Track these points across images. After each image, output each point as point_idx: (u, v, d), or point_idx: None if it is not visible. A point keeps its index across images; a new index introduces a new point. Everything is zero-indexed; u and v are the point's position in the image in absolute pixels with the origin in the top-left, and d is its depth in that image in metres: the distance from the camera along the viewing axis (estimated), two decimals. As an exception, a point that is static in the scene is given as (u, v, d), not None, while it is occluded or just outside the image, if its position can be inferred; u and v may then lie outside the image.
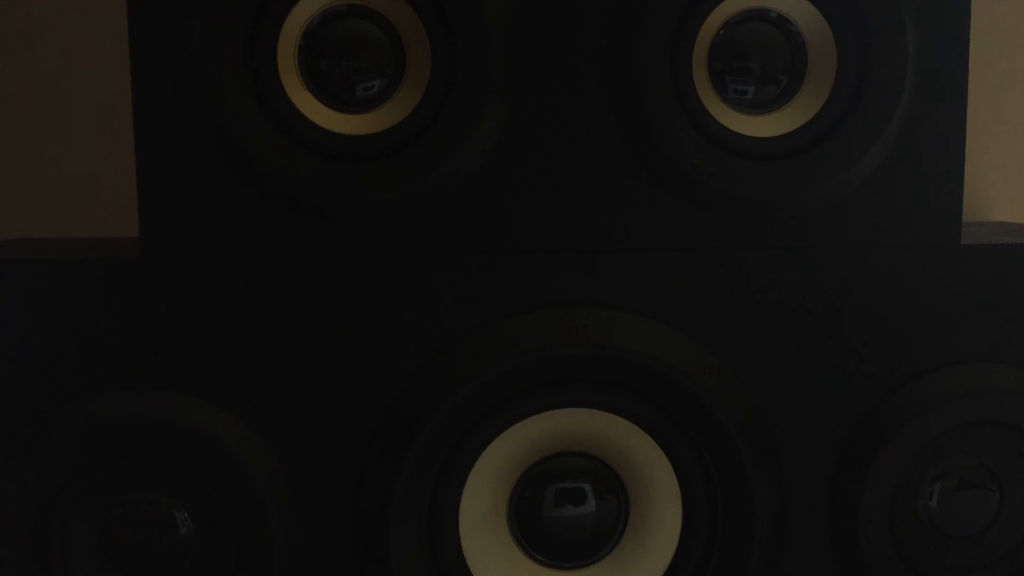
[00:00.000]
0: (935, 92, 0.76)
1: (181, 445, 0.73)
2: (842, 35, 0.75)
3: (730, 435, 0.75)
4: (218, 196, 0.74)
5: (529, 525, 0.77)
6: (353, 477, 0.75)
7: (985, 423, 0.78)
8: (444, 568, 0.76)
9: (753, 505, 0.75)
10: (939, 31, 0.76)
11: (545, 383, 0.75)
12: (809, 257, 0.77)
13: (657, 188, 0.76)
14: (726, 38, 0.75)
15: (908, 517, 0.79)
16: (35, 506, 0.73)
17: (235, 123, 0.72)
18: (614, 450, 0.76)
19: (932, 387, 0.77)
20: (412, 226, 0.75)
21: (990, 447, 0.79)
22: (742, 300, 0.76)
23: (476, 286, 0.75)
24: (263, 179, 0.73)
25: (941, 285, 0.77)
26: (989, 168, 1.19)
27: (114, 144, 1.04)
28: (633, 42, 0.73)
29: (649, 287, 0.76)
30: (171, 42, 0.72)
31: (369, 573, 0.76)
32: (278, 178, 0.73)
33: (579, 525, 0.77)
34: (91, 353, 0.74)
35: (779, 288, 0.77)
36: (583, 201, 0.76)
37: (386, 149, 0.73)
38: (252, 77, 0.72)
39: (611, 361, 0.74)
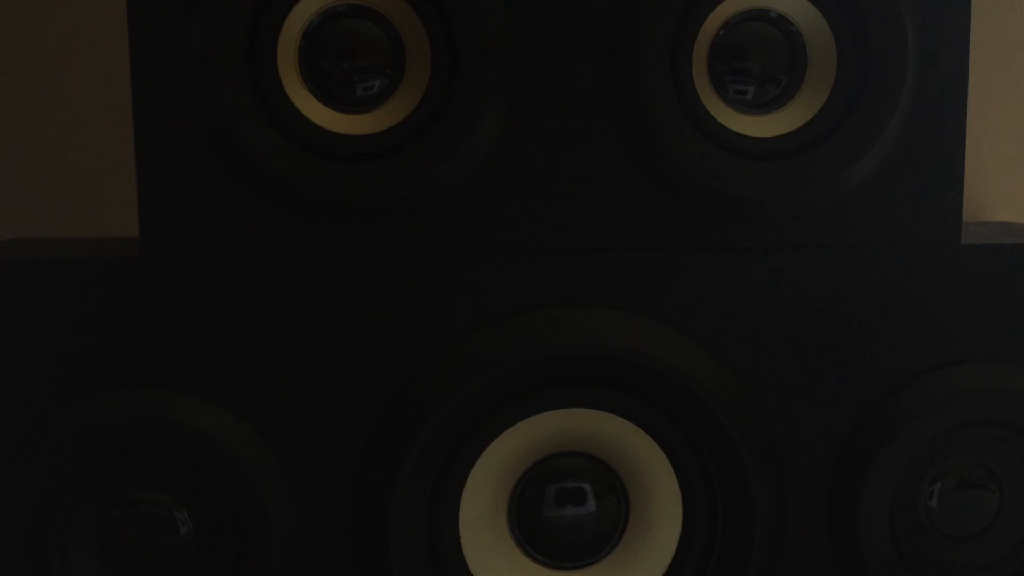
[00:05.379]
0: (935, 92, 0.76)
1: (181, 445, 0.73)
2: (842, 35, 0.75)
3: (730, 435, 0.75)
4: (218, 196, 0.74)
5: (529, 525, 0.77)
6: (353, 477, 0.75)
7: (985, 423, 0.78)
8: (444, 568, 0.76)
9: (753, 505, 0.75)
10: (939, 31, 0.76)
11: (545, 383, 0.75)
12: (809, 257, 0.77)
13: (657, 188, 0.76)
14: (726, 38, 0.75)
15: (908, 517, 0.79)
16: (35, 506, 0.73)
17: (235, 123, 0.72)
18: (614, 450, 0.76)
19: (932, 387, 0.77)
20: (412, 226, 0.75)
21: (990, 447, 0.79)
22: (742, 300, 0.76)
23: (476, 286, 0.75)
24: (263, 179, 0.73)
25: (941, 285, 0.77)
26: (989, 168, 1.19)
27: (114, 144, 1.04)
28: (633, 42, 0.73)
29: (648, 287, 0.76)
30: (171, 42, 0.72)
31: (369, 573, 0.76)
32: (278, 178, 0.73)
33: (579, 525, 0.77)
34: (90, 353, 0.74)
35: (779, 288, 0.77)
36: (583, 201, 0.76)
37: (386, 149, 0.73)
38: (252, 77, 0.72)
39: (611, 361, 0.74)
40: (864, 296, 0.77)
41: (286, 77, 0.73)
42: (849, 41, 0.75)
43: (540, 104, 0.75)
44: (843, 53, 0.75)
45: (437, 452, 0.74)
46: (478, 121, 0.73)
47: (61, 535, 0.74)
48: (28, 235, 0.94)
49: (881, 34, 0.74)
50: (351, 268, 0.74)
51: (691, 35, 0.74)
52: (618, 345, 0.74)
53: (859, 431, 0.78)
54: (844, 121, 0.75)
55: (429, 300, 0.75)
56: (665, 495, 0.77)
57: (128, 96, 0.73)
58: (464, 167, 0.74)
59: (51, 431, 0.73)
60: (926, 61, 0.76)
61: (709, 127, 0.75)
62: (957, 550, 0.80)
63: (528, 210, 0.75)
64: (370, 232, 0.75)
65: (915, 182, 0.77)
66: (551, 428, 0.76)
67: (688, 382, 0.74)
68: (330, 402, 0.75)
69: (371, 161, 0.73)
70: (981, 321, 0.78)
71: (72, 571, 0.74)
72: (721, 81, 0.75)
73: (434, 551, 0.76)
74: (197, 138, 0.73)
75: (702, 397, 0.74)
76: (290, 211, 0.74)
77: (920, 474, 0.79)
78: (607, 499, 0.77)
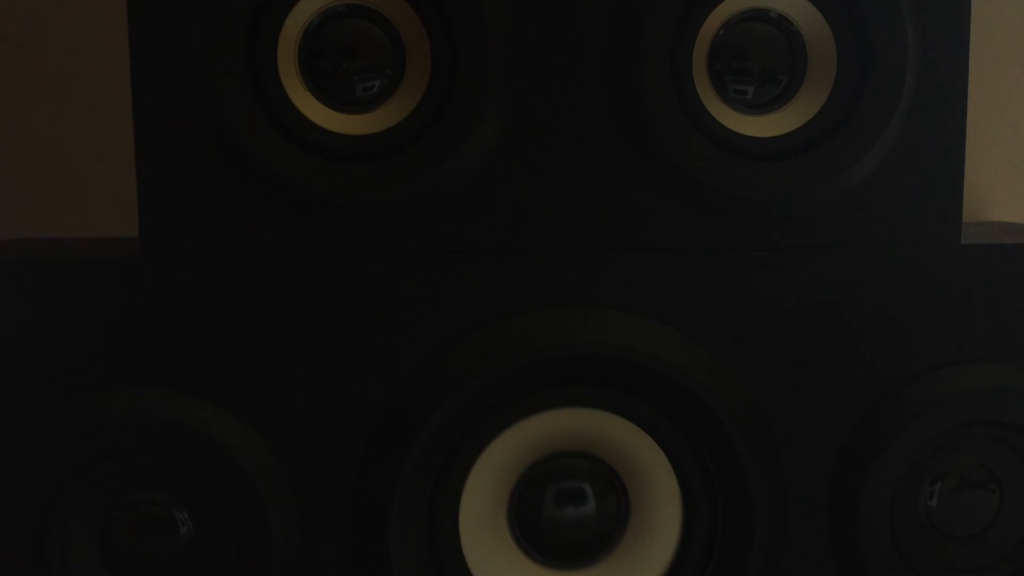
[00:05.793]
0: (935, 92, 0.76)
1: (181, 445, 0.73)
2: (842, 35, 0.75)
3: (730, 435, 0.75)
4: (218, 196, 0.74)
5: (529, 525, 0.77)
6: (353, 477, 0.75)
7: (985, 423, 0.78)
8: (444, 568, 0.76)
9: (753, 505, 0.75)
10: (939, 31, 0.76)
11: (545, 383, 0.75)
12: (809, 257, 0.77)
13: (657, 188, 0.76)
14: (726, 38, 0.75)
15: (908, 517, 0.79)
16: (35, 506, 0.73)
17: (235, 123, 0.72)
18: (614, 450, 0.76)
19: (932, 387, 0.77)
20: (412, 226, 0.75)
21: (990, 447, 0.79)
22: (742, 300, 0.76)
23: (476, 286, 0.75)
24: (263, 179, 0.73)
25: (941, 285, 0.77)
26: (989, 168, 1.19)
27: (114, 144, 1.04)
28: (633, 42, 0.73)
29: (648, 287, 0.76)
30: (171, 42, 0.72)
31: (369, 573, 0.76)
32: (278, 178, 0.73)
33: (579, 525, 0.76)
34: (90, 353, 0.74)
35: (779, 288, 0.77)
36: (583, 201, 0.76)
37: (386, 149, 0.73)
38: (252, 77, 0.72)
39: (611, 361, 0.74)
40: (864, 296, 0.77)
41: (286, 77, 0.73)
42: (849, 41, 0.75)
43: (540, 104, 0.75)
44: (843, 53, 0.75)
45: (437, 452, 0.74)
46: (478, 121, 0.73)
47: (61, 535, 0.74)
48: (28, 235, 0.94)
49: (881, 34, 0.74)
50: (351, 268, 0.74)
51: (691, 35, 0.74)
52: (618, 345, 0.74)
53: (859, 431, 0.78)
54: (844, 121, 0.75)
55: (429, 300, 0.75)
56: (665, 495, 0.77)
57: (128, 96, 0.73)
58: (464, 167, 0.74)
59: (51, 431, 0.73)
60: (926, 61, 0.76)
61: (709, 127, 0.75)
62: (957, 550, 0.80)
63: (528, 210, 0.75)
64: (370, 232, 0.75)
65: (915, 182, 0.77)
66: (551, 428, 0.76)
67: (688, 382, 0.74)
68: (330, 402, 0.75)
69: (371, 161, 0.73)
70: (981, 321, 0.78)
71: (72, 571, 0.74)
72: (721, 81, 0.75)
73: (434, 551, 0.76)
74: (197, 138, 0.73)
75: (702, 397, 0.74)
76: (290, 211, 0.74)
77: (920, 474, 0.79)
78: (607, 499, 0.77)
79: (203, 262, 0.74)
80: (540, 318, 0.75)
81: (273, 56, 0.72)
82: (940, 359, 0.78)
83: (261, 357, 0.74)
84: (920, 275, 0.77)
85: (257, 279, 0.74)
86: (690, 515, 0.77)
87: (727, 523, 0.76)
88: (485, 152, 0.74)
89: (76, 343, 0.73)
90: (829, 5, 0.75)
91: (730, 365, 0.77)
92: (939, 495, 0.79)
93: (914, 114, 0.76)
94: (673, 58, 0.74)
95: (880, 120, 0.75)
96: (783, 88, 0.76)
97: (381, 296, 0.75)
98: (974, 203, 1.19)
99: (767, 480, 0.76)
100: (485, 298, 0.75)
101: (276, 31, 0.72)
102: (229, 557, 0.75)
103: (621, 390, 0.75)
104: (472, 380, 0.73)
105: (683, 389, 0.74)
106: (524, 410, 0.75)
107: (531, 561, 0.77)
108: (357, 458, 0.75)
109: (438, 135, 0.73)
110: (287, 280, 0.74)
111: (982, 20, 1.10)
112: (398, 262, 0.75)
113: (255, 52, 0.72)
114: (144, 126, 0.73)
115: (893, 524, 0.79)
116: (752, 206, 0.76)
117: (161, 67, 0.73)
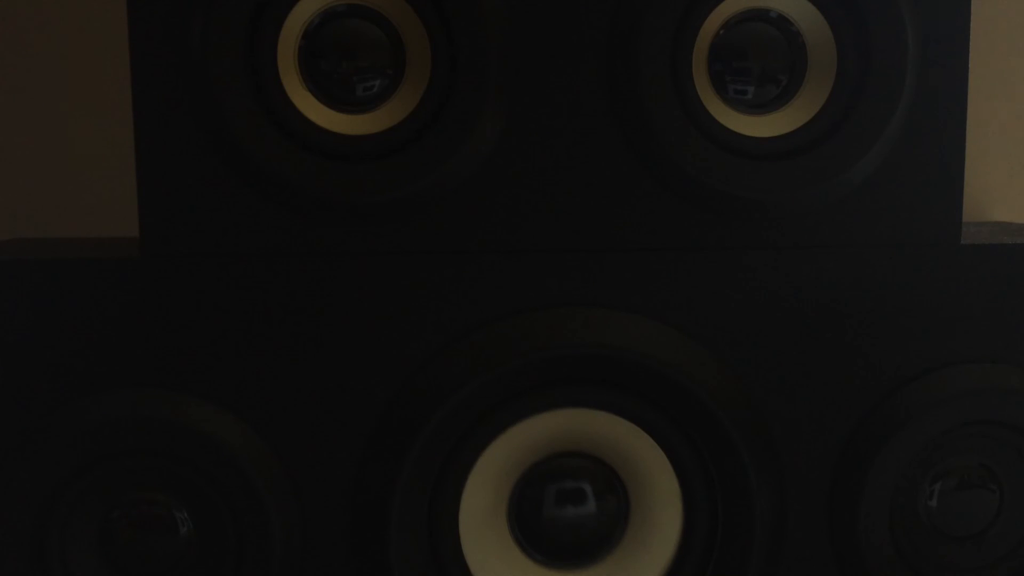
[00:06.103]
0: (935, 92, 0.76)
1: (181, 445, 0.73)
2: (842, 35, 0.75)
3: (730, 435, 0.75)
4: (218, 196, 0.74)
5: (529, 525, 0.77)
6: (353, 477, 0.75)
7: (985, 423, 0.78)
8: (444, 568, 0.76)
9: (753, 505, 0.75)
10: (939, 31, 0.76)
11: (545, 383, 0.75)
12: (809, 257, 0.77)
13: (657, 188, 0.76)
14: (726, 38, 0.75)
15: (908, 517, 0.79)
16: (35, 506, 0.73)
17: (235, 123, 0.72)
18: (614, 450, 0.76)
19: (932, 387, 0.77)
20: (412, 226, 0.75)
21: (990, 447, 0.79)
22: (742, 300, 0.76)
23: (476, 286, 0.75)
24: (263, 179, 0.73)
25: (941, 285, 0.77)
26: (989, 168, 1.19)
27: (114, 144, 1.04)
28: (633, 42, 0.73)
29: (649, 287, 0.76)
30: (171, 42, 0.72)
31: (369, 573, 0.76)
32: (278, 178, 0.73)
33: (579, 525, 0.77)
34: (90, 353, 0.74)
35: (779, 288, 0.77)
36: (583, 201, 0.76)
37: (386, 149, 0.73)
38: (252, 77, 0.72)
39: (611, 361, 0.74)
40: (864, 296, 0.77)
41: (286, 77, 0.73)
42: (849, 41, 0.75)
43: (540, 104, 0.75)
44: (843, 53, 0.75)
45: (437, 452, 0.74)
46: (478, 121, 0.73)
47: (61, 535, 0.74)
48: (28, 235, 0.94)
49: (881, 34, 0.74)
50: (351, 268, 0.74)
51: (691, 35, 0.74)
52: (618, 345, 0.74)
53: (859, 431, 0.78)
54: (844, 121, 0.75)
55: (429, 300, 0.75)
56: (665, 495, 0.77)
57: (128, 96, 0.73)
58: (464, 167, 0.74)
59: (51, 431, 0.73)
60: (926, 61, 0.76)
61: (709, 127, 0.75)
62: (957, 550, 0.80)
63: (528, 210, 0.75)
64: (370, 232, 0.75)
65: (915, 182, 0.77)
66: (551, 428, 0.76)
67: (687, 381, 0.74)
68: (330, 402, 0.75)
69: (371, 161, 0.73)
70: (981, 321, 0.78)
71: (72, 571, 0.74)
72: (721, 81, 0.75)
73: (434, 551, 0.76)
74: (197, 138, 0.73)
75: (702, 397, 0.74)
76: (290, 211, 0.74)
77: (920, 474, 0.79)
78: (607, 499, 0.77)
79: (203, 262, 0.74)
80: (540, 318, 0.75)
81: (273, 56, 0.72)
82: (940, 359, 0.78)
83: (261, 357, 0.74)
84: (920, 275, 0.77)
85: (257, 279, 0.74)
86: (690, 515, 0.77)
87: (727, 523, 0.76)
88: (485, 152, 0.74)
89: (76, 343, 0.73)
90: (829, 5, 0.75)
91: (730, 365, 0.77)
92: (939, 495, 0.79)
93: (914, 114, 0.76)
94: (673, 58, 0.74)
95: (880, 120, 0.75)
96: (783, 88, 0.76)
97: (381, 296, 0.75)
98: (974, 203, 1.18)
99: (767, 480, 0.76)
100: (485, 298, 0.75)
101: (276, 31, 0.72)
102: (229, 557, 0.75)
103: (621, 390, 0.75)
104: (472, 380, 0.73)
105: (683, 389, 0.74)
106: (524, 410, 0.75)
107: (531, 561, 0.77)
108: (357, 458, 0.75)
109: (438, 135, 0.73)
110: (287, 280, 0.74)
111: (982, 20, 1.10)
112: (398, 262, 0.75)
113: (255, 52, 0.72)
114: (144, 126, 0.73)
115: (893, 524, 0.79)
116: (752, 206, 0.76)
117: (161, 67, 0.73)
